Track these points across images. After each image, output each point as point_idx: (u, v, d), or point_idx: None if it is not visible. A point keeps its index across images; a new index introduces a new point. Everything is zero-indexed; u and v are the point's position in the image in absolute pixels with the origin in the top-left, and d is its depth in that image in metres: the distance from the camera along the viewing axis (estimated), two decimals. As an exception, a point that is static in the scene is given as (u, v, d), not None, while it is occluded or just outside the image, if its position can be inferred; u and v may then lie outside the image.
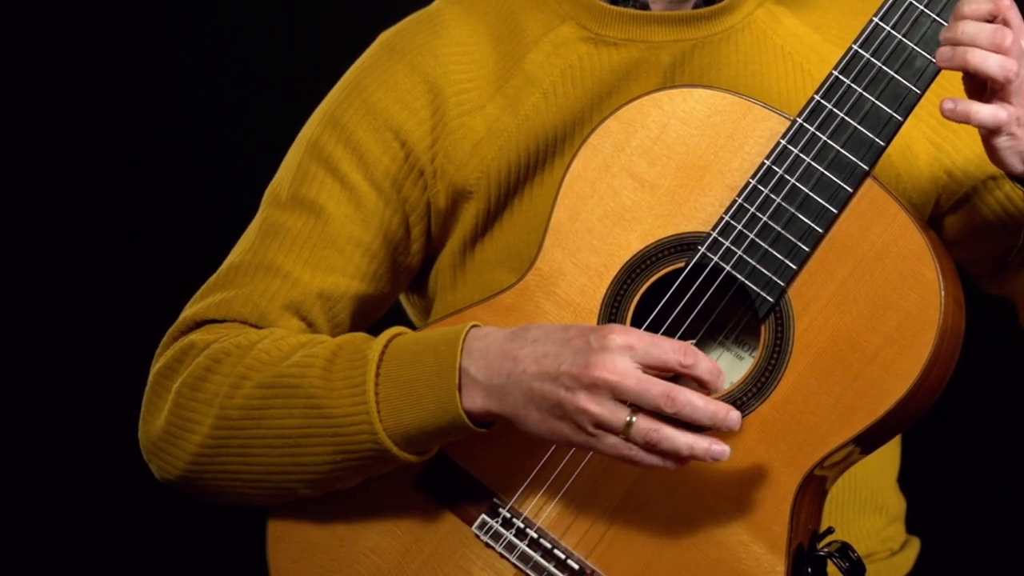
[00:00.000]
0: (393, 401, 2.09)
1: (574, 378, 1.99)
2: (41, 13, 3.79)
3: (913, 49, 1.99)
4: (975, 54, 1.95)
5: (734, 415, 1.99)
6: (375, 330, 2.25)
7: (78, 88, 3.80)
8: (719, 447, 1.96)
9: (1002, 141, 2.01)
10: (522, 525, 2.09)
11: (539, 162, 2.27)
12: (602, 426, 1.98)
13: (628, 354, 1.98)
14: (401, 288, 2.35)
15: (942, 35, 1.99)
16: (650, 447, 1.98)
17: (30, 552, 3.77)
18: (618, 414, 1.97)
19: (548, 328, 2.06)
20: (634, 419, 1.97)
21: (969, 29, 1.97)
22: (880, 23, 1.98)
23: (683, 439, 1.96)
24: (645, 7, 2.29)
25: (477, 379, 2.07)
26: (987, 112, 1.97)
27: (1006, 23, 1.98)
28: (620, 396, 1.97)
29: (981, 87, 1.98)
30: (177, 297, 2.35)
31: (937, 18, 1.99)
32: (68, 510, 3.76)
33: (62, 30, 3.78)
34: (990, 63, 1.95)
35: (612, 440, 1.99)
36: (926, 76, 2.00)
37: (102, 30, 3.80)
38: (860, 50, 1.99)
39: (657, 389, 1.96)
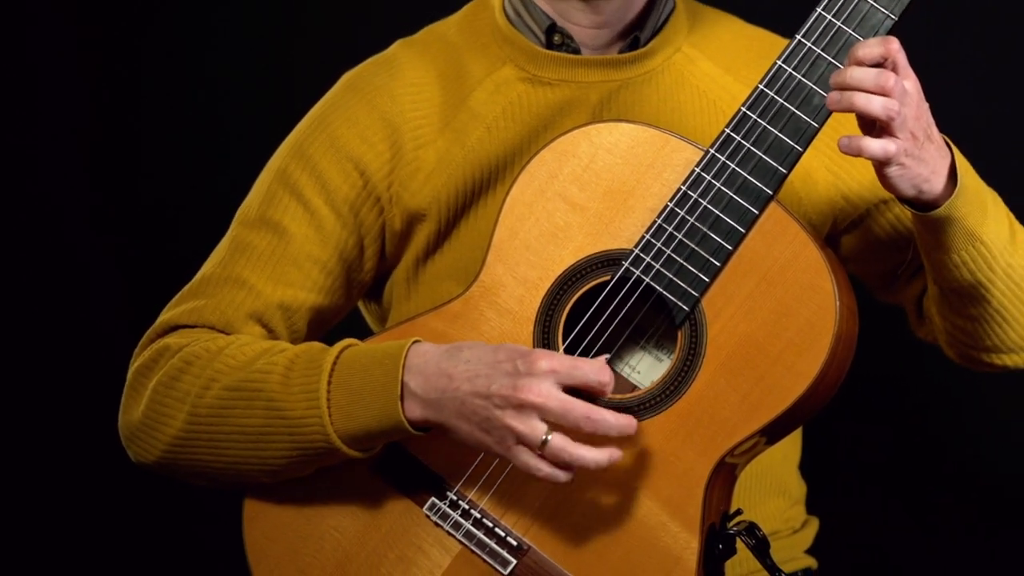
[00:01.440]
0: (343, 406, 2.16)
1: (504, 399, 2.07)
2: (40, 15, 3.76)
3: (811, 88, 2.06)
4: (860, 97, 2.02)
5: (633, 423, 2.09)
6: (332, 332, 2.38)
7: (75, 95, 3.79)
8: (617, 454, 2.06)
9: (893, 170, 2.08)
10: (467, 507, 2.15)
11: (483, 188, 2.34)
12: (522, 441, 2.06)
13: (552, 378, 2.06)
14: (355, 300, 2.42)
15: (832, 80, 2.06)
16: (558, 461, 2.07)
17: (28, 532, 3.76)
18: (538, 432, 2.05)
19: (480, 350, 2.14)
20: (550, 437, 2.05)
21: (856, 74, 2.03)
22: (783, 65, 2.06)
23: (590, 455, 2.06)
24: (577, 51, 2.35)
25: (416, 392, 2.13)
26: (877, 146, 2.04)
27: (895, 66, 2.04)
28: (544, 417, 2.06)
29: (872, 124, 2.05)
30: (160, 300, 2.40)
31: (833, 60, 2.06)
32: (61, 495, 3.74)
33: (60, 32, 3.76)
34: (874, 105, 2.02)
35: (526, 455, 2.07)
36: (823, 112, 2.08)
37: (100, 31, 3.78)
38: (765, 89, 2.07)
39: (578, 411, 2.05)
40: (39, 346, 3.77)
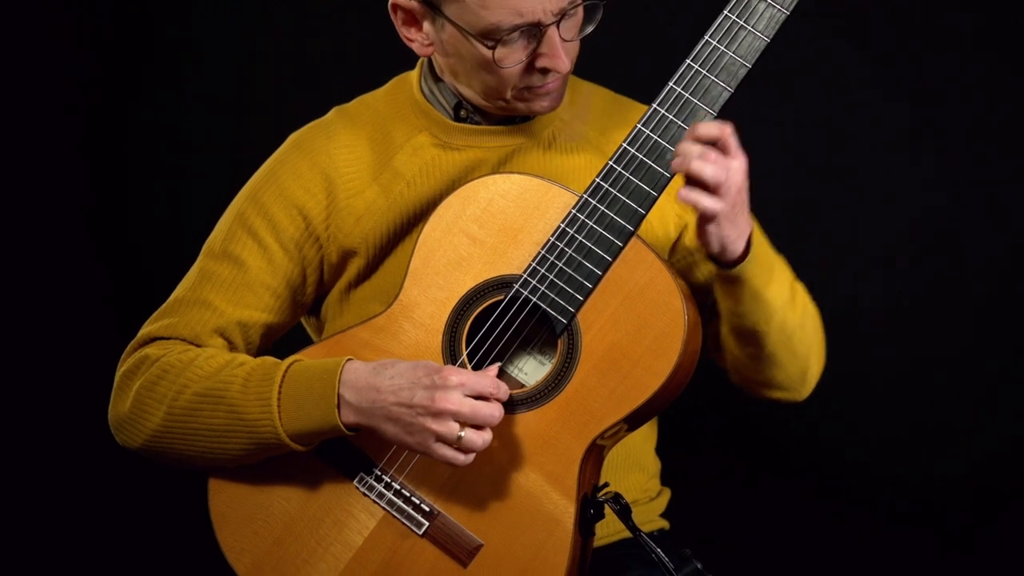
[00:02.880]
0: (290, 411, 2.32)
1: (424, 408, 2.23)
2: (39, 21, 3.76)
3: (665, 146, 2.24)
4: (696, 163, 2.20)
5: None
6: (279, 341, 2.57)
7: (69, 102, 3.81)
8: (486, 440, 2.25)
9: (711, 227, 2.25)
10: (389, 481, 2.33)
11: (404, 231, 2.50)
12: (441, 439, 2.24)
13: (461, 390, 2.23)
14: (298, 317, 2.58)
15: (676, 149, 2.23)
16: (467, 451, 2.24)
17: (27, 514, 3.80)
18: (453, 430, 2.23)
19: (401, 366, 2.28)
20: (463, 433, 2.23)
21: (695, 148, 2.21)
22: (642, 128, 2.24)
23: (488, 437, 2.25)
24: (479, 123, 2.50)
25: (350, 402, 2.29)
26: (707, 202, 2.21)
27: (726, 146, 2.22)
28: (458, 419, 2.23)
29: (704, 187, 2.22)
30: (146, 306, 2.56)
31: (683, 125, 2.24)
32: (59, 480, 3.78)
33: (56, 33, 3.77)
34: (707, 172, 2.20)
35: (444, 450, 2.25)
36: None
37: (97, 36, 3.80)
38: (628, 147, 2.25)
39: (485, 412, 2.24)
40: (40, 349, 3.79)
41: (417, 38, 2.44)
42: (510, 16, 2.32)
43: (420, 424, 2.25)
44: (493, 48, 2.36)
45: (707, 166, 2.19)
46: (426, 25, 2.42)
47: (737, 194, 2.22)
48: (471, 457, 2.25)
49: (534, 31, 2.34)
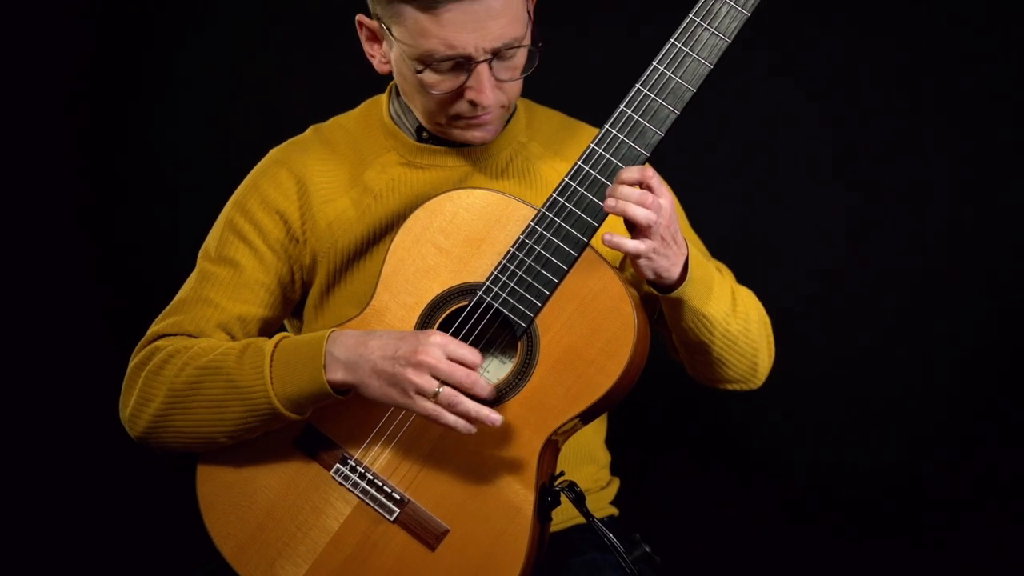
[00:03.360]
0: (281, 376, 2.37)
1: (405, 359, 2.28)
2: (41, 26, 3.77)
3: (616, 165, 2.30)
4: (630, 207, 2.27)
5: (492, 391, 2.29)
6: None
7: (67, 111, 3.83)
8: (495, 416, 2.26)
9: (642, 262, 2.32)
10: (363, 470, 2.38)
11: (372, 241, 2.57)
12: (420, 392, 2.27)
13: (441, 348, 2.28)
14: (287, 313, 2.64)
15: (608, 191, 2.30)
16: (451, 408, 2.26)
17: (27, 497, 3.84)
18: (431, 384, 2.26)
19: (389, 331, 2.35)
20: (441, 389, 2.26)
21: (624, 191, 2.27)
22: (595, 147, 2.30)
23: (472, 404, 2.27)
24: (442, 143, 2.56)
25: (338, 357, 2.33)
26: (631, 245, 2.28)
27: (650, 187, 2.28)
28: (435, 374, 2.26)
29: (632, 226, 2.29)
30: (144, 315, 2.63)
31: (633, 144, 2.30)
32: (64, 472, 3.81)
33: (49, 48, 3.79)
34: (639, 214, 2.26)
35: (424, 402, 2.28)
36: None
37: (90, 56, 3.81)
38: (583, 165, 2.31)
39: (461, 372, 2.28)
40: (42, 353, 3.82)
41: (377, 54, 2.49)
42: (443, 47, 2.37)
43: (402, 374, 2.28)
44: (422, 72, 2.40)
45: (639, 210, 2.26)
46: (384, 44, 2.46)
47: (666, 230, 2.29)
48: (459, 421, 2.28)
49: (466, 64, 2.39)
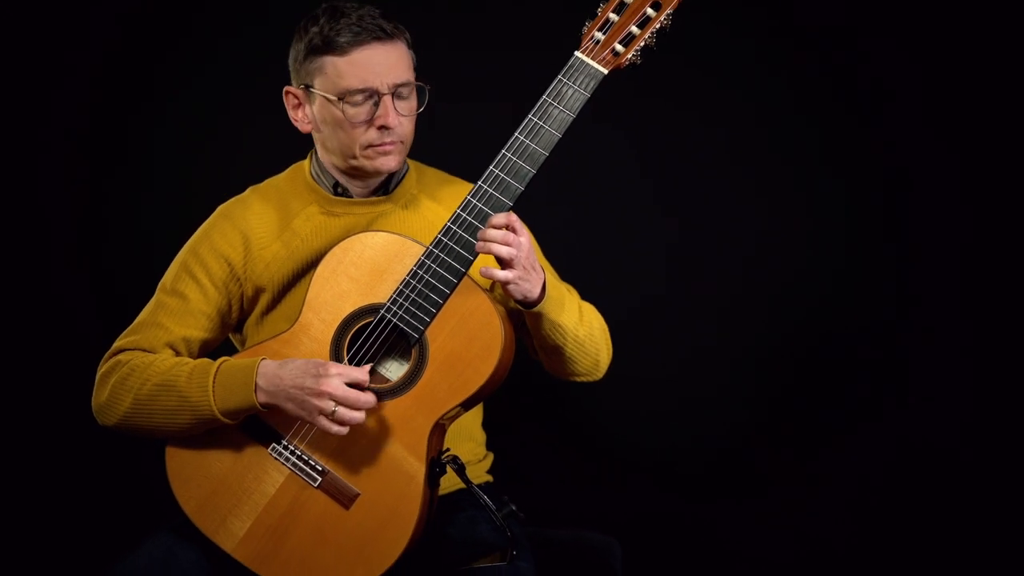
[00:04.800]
0: (221, 394, 2.50)
1: (311, 390, 2.42)
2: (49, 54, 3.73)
3: (488, 213, 2.42)
4: (494, 247, 2.40)
5: (372, 400, 2.40)
6: (215, 352, 2.67)
7: (65, 122, 3.78)
8: (361, 417, 2.40)
9: (510, 287, 2.44)
10: (293, 448, 2.51)
11: (300, 274, 2.67)
12: (321, 413, 2.41)
13: (339, 378, 2.42)
14: (226, 334, 2.74)
15: (479, 235, 2.41)
16: (341, 423, 2.40)
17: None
18: (329, 407, 2.40)
19: (299, 362, 2.44)
20: (336, 409, 2.40)
21: (491, 233, 2.39)
22: (471, 199, 2.44)
23: (358, 416, 2.41)
24: (352, 196, 2.67)
25: (262, 387, 2.47)
26: (500, 274, 2.42)
27: (513, 229, 2.40)
28: (334, 399, 2.39)
29: (500, 260, 2.42)
30: (122, 317, 2.70)
31: (500, 196, 2.42)
32: (54, 458, 3.81)
33: (41, 81, 3.73)
34: (502, 251, 2.40)
35: (321, 419, 2.41)
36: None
37: (86, 91, 3.78)
38: (461, 212, 2.43)
39: (354, 395, 2.41)
40: (39, 353, 3.82)
41: (300, 118, 2.64)
42: (357, 82, 2.55)
43: (308, 401, 2.41)
44: (342, 107, 2.54)
45: (502, 248, 2.39)
46: (307, 107, 2.61)
47: (526, 260, 2.42)
48: (344, 429, 2.40)
49: (375, 97, 2.55)
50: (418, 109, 2.62)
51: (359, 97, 2.56)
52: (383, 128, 2.57)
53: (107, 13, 3.72)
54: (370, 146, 2.59)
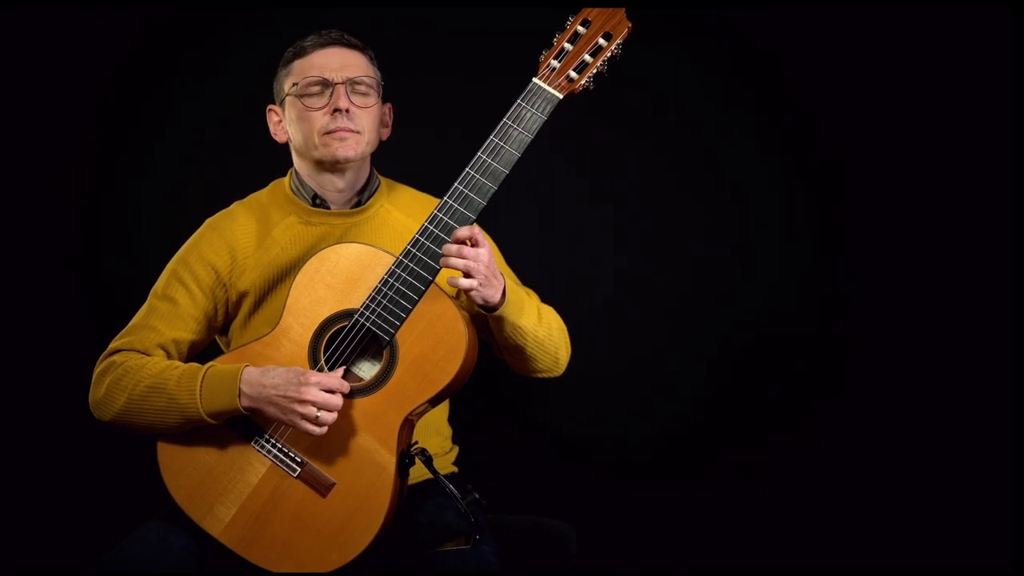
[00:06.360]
0: (208, 398, 2.52)
1: (292, 398, 2.45)
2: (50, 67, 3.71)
3: (453, 226, 2.44)
4: (452, 260, 2.43)
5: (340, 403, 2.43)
6: (203, 354, 2.71)
7: (65, 148, 3.76)
8: (333, 417, 2.43)
9: (472, 293, 2.49)
10: (274, 442, 2.54)
11: (280, 280, 2.70)
12: (304, 418, 2.45)
13: (318, 386, 2.45)
14: (213, 336, 2.78)
15: (443, 249, 2.43)
16: (320, 425, 2.43)
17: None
18: (312, 413, 2.43)
19: (280, 370, 2.46)
20: (319, 415, 2.44)
21: (451, 248, 2.43)
22: (437, 213, 2.46)
23: (335, 417, 2.44)
24: (328, 208, 2.72)
25: (246, 393, 2.49)
26: (464, 283, 2.45)
27: (476, 241, 2.44)
28: (315, 405, 2.42)
29: (463, 272, 2.46)
30: (118, 319, 2.71)
31: (464, 211, 2.45)
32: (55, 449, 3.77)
33: (41, 101, 3.72)
34: (459, 264, 2.43)
35: (302, 423, 2.44)
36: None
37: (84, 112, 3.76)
38: (428, 225, 2.46)
39: (333, 400, 2.44)
40: (37, 353, 3.79)
41: (279, 131, 2.71)
42: (315, 73, 2.65)
43: (291, 408, 2.46)
44: (303, 98, 2.62)
45: (460, 260, 2.44)
46: (283, 119, 2.68)
47: (486, 269, 2.46)
48: (323, 430, 2.45)
49: (331, 88, 2.64)
50: (373, 103, 2.68)
51: (316, 88, 2.65)
52: (336, 112, 2.61)
53: (106, 49, 3.76)
54: (326, 132, 2.64)
